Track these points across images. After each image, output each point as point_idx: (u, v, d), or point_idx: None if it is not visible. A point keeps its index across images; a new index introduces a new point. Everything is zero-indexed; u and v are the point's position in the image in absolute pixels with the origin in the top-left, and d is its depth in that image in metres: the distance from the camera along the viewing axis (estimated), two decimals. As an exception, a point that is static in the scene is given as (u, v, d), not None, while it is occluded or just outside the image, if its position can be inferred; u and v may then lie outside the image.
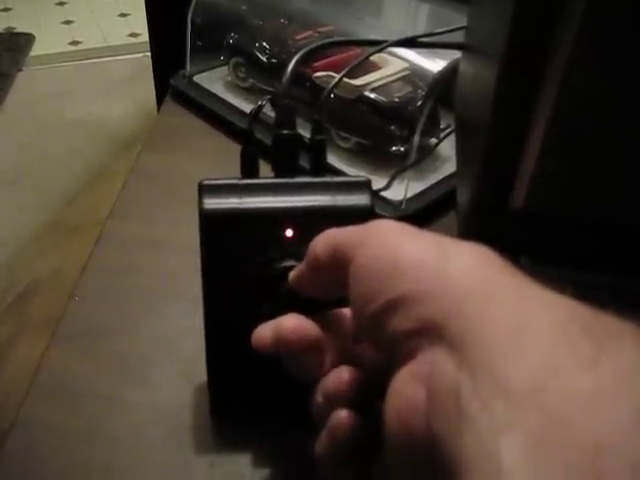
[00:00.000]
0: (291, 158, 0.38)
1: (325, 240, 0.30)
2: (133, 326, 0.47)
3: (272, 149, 0.38)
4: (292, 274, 0.33)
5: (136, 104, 2.24)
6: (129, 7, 2.92)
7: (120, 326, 0.47)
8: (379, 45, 0.50)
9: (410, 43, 0.49)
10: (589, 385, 0.19)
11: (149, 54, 1.45)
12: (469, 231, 0.41)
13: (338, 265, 0.28)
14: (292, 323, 0.32)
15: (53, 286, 1.58)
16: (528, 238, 0.37)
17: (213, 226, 0.36)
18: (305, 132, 0.40)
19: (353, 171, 0.59)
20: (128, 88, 2.36)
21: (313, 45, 0.43)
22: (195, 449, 0.39)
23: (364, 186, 0.37)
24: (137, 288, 0.50)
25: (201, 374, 0.39)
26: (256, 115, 0.39)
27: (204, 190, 0.36)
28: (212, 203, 0.36)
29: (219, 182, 0.37)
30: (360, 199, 0.36)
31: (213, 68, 0.76)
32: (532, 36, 0.32)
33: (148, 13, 1.41)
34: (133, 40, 2.72)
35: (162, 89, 0.84)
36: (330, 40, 0.48)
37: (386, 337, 0.25)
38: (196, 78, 0.74)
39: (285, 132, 0.39)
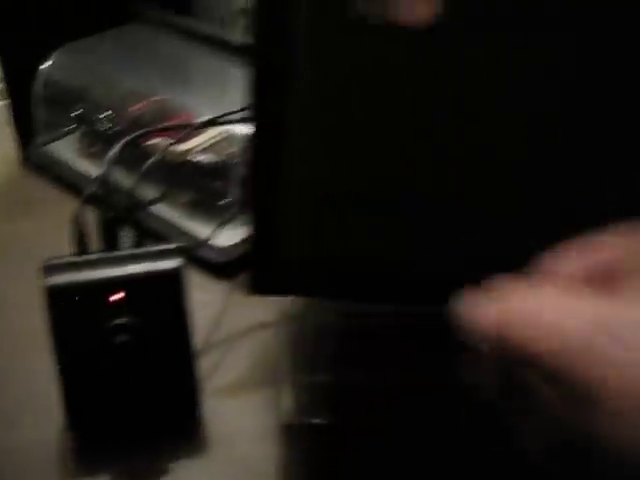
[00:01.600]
0: (115, 235, 0.48)
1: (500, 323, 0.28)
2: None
3: (99, 229, 0.48)
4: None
5: None
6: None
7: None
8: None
9: (212, 123, 0.60)
10: None
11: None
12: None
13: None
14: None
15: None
16: (303, 282, 0.48)
17: (56, 301, 0.45)
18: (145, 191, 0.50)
19: (191, 222, 0.69)
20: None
21: (128, 138, 0.53)
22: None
23: (175, 252, 0.48)
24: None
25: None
26: (85, 202, 0.49)
27: (46, 270, 0.46)
28: (54, 280, 0.45)
29: (59, 261, 0.46)
30: (172, 263, 0.47)
31: (65, 136, 0.84)
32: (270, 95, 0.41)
33: (4, 70, 1.45)
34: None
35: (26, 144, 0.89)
36: (143, 131, 0.58)
37: None
38: (49, 147, 0.82)
39: (110, 215, 0.49)
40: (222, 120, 0.61)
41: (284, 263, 0.45)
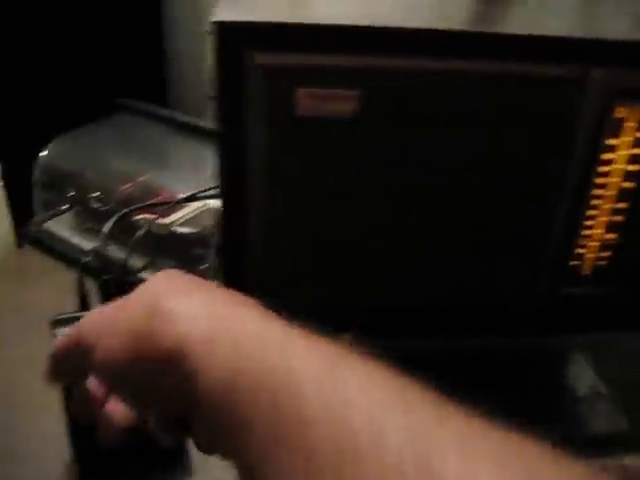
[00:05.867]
0: (111, 295, 0.58)
1: (69, 332, 0.37)
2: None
3: (98, 291, 0.58)
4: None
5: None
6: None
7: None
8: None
9: (191, 198, 0.71)
10: None
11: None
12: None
13: (78, 353, 0.35)
14: None
15: None
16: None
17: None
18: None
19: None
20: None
21: (120, 214, 0.63)
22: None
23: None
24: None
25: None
26: (83, 269, 0.59)
27: (54, 323, 0.55)
28: (62, 332, 0.54)
29: (66, 316, 0.56)
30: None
31: (62, 213, 0.94)
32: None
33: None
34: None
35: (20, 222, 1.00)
36: (133, 207, 0.69)
37: None
38: (47, 224, 0.92)
39: (107, 278, 0.58)
40: (200, 196, 0.72)
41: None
